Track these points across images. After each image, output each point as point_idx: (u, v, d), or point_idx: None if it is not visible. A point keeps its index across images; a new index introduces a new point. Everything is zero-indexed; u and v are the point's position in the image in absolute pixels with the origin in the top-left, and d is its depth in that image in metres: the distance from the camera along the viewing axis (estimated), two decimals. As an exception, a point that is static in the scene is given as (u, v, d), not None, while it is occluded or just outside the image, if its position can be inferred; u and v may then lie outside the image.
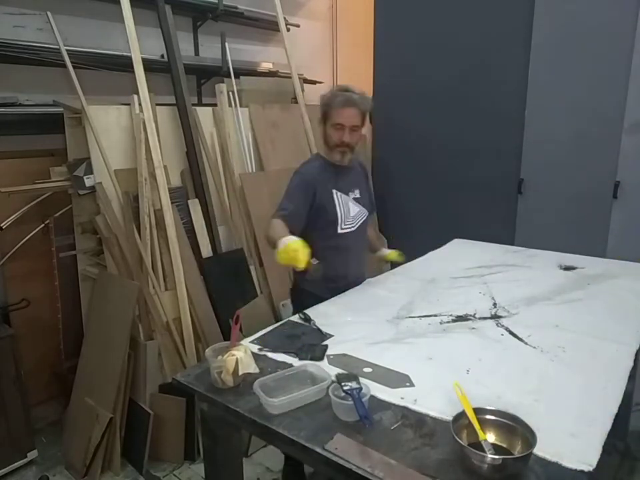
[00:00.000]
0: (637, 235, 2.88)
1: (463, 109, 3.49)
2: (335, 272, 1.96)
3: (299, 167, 2.04)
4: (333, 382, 1.25)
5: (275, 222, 1.84)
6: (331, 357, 1.47)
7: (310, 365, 1.38)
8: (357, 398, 1.15)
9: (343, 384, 1.20)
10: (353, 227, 2.03)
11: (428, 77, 3.65)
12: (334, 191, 1.97)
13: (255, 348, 1.52)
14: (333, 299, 1.94)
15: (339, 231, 1.99)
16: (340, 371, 1.34)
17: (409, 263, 2.38)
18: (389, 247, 4.04)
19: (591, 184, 3.00)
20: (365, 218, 2.09)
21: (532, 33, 3.09)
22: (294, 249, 1.61)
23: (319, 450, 1.07)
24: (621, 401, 1.23)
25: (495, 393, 1.25)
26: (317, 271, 1.68)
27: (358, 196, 2.07)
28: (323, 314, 1.79)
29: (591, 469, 0.98)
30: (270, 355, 1.50)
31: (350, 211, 2.01)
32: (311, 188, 1.92)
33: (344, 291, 2.01)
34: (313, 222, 1.95)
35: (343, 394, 1.18)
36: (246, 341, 1.58)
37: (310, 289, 1.99)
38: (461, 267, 2.29)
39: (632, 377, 1.38)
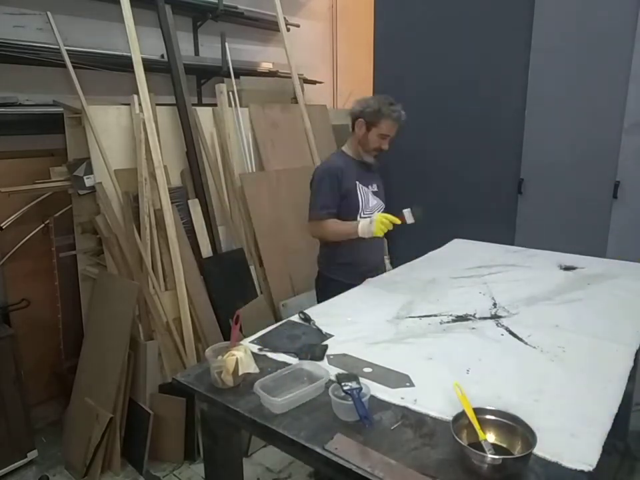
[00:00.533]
0: (637, 234, 2.88)
1: (463, 109, 3.49)
2: (355, 257, 2.20)
3: (322, 164, 2.25)
4: (331, 380, 1.25)
5: (330, 222, 2.12)
6: (331, 356, 1.47)
7: (305, 363, 1.38)
8: (356, 398, 1.15)
9: (343, 384, 1.20)
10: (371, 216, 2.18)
11: (428, 77, 3.64)
12: (357, 182, 2.17)
13: (255, 348, 1.52)
14: (333, 299, 1.95)
15: (359, 218, 2.16)
16: (340, 370, 1.34)
17: (408, 263, 2.40)
18: (388, 248, 4.09)
19: (591, 184, 3.00)
20: (381, 209, 2.28)
21: (532, 33, 3.09)
22: (381, 220, 1.94)
23: (319, 450, 1.07)
24: (621, 401, 1.23)
25: (495, 393, 1.25)
26: (418, 213, 1.95)
27: (376, 189, 2.28)
28: (323, 314, 1.79)
29: (591, 468, 0.98)
30: (270, 354, 1.50)
31: (369, 202, 2.21)
32: (336, 178, 2.12)
33: (364, 276, 2.15)
34: (339, 208, 2.16)
35: (343, 394, 1.18)
36: (246, 341, 1.58)
37: (334, 276, 2.20)
38: (461, 267, 2.29)
39: (632, 377, 1.38)
